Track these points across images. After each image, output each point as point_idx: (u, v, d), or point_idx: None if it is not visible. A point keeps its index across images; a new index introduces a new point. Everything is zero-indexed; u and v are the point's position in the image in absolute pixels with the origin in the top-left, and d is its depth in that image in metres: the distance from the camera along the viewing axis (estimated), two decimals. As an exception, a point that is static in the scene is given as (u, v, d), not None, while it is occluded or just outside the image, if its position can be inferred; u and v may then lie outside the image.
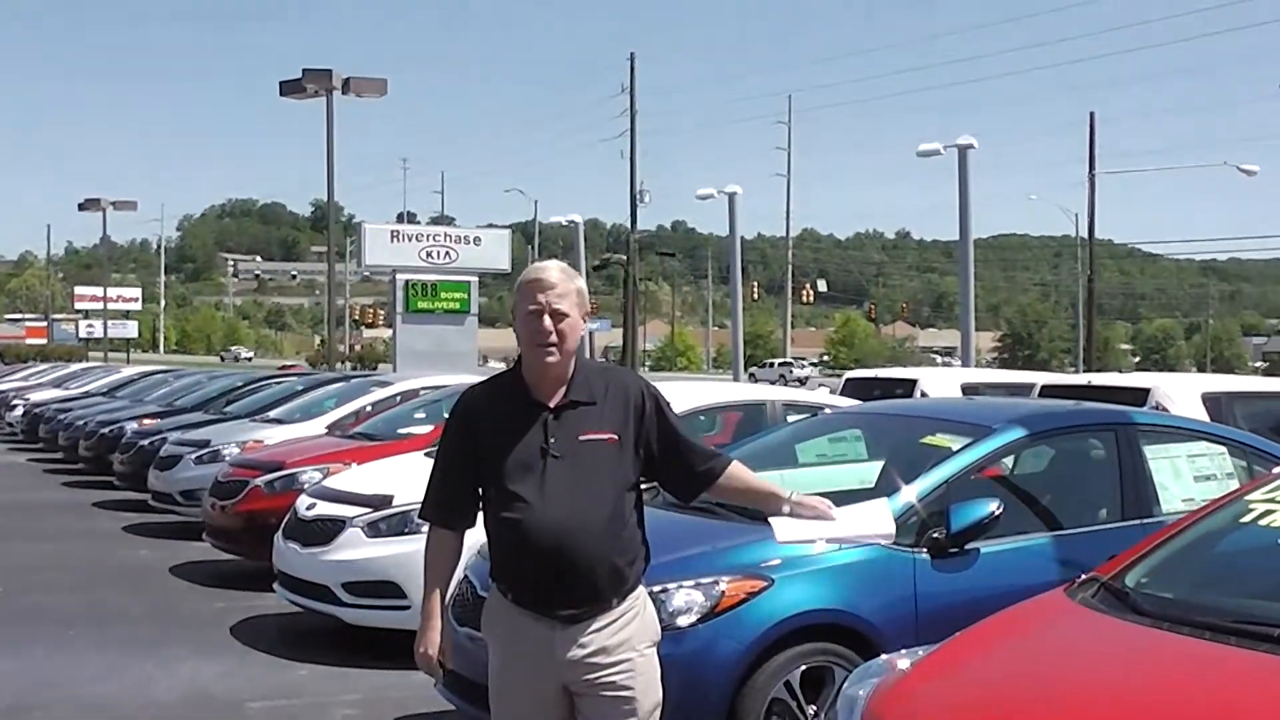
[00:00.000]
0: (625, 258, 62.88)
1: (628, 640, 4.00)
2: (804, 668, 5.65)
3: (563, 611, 3.97)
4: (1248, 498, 4.62)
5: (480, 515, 4.13)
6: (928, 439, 6.69)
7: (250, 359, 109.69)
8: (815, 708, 5.66)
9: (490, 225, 43.87)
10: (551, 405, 4.03)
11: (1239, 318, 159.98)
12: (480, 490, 4.08)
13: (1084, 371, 40.39)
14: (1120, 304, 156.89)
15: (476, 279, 34.11)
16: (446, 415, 12.82)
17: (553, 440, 3.99)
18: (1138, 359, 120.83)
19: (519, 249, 66.82)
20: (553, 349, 3.98)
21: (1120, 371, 40.23)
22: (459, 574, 6.66)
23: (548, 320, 3.97)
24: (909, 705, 3.79)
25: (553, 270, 4.06)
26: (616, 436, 4.04)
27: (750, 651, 5.54)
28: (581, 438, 4.00)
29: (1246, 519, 4.49)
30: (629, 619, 4.03)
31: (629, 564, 4.03)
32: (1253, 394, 12.57)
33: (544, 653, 3.99)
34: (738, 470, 4.31)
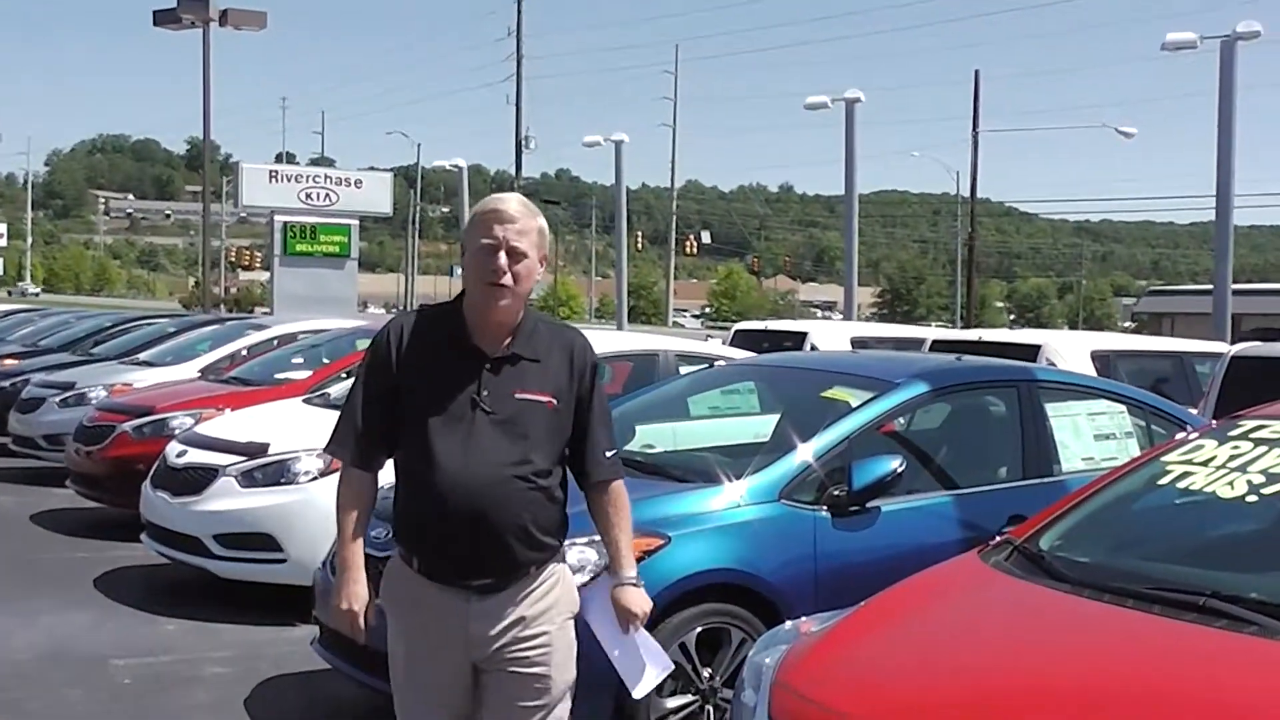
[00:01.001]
0: (509, 205, 62.08)
1: (546, 613, 3.67)
2: (700, 629, 5.44)
3: (477, 581, 3.61)
4: (1163, 459, 4.48)
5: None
6: (828, 393, 6.50)
7: (38, 294, 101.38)
8: (710, 670, 5.46)
9: (372, 168, 43.13)
10: (492, 355, 3.63)
11: (1110, 278, 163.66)
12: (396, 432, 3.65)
13: (963, 328, 40.85)
14: (996, 262, 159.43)
15: (357, 222, 33.39)
16: (326, 360, 12.23)
17: (486, 394, 3.59)
18: (1013, 317, 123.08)
19: (401, 193, 65.80)
20: (505, 291, 3.56)
21: (996, 328, 40.75)
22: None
23: (503, 257, 3.55)
24: (822, 674, 3.59)
25: (513, 203, 3.64)
26: (555, 401, 3.66)
27: (644, 613, 5.31)
28: (518, 395, 3.61)
29: (1163, 481, 4.35)
30: (547, 590, 3.70)
31: (553, 533, 3.69)
32: (1137, 352, 12.68)
33: (454, 626, 3.63)
34: (614, 500, 3.83)
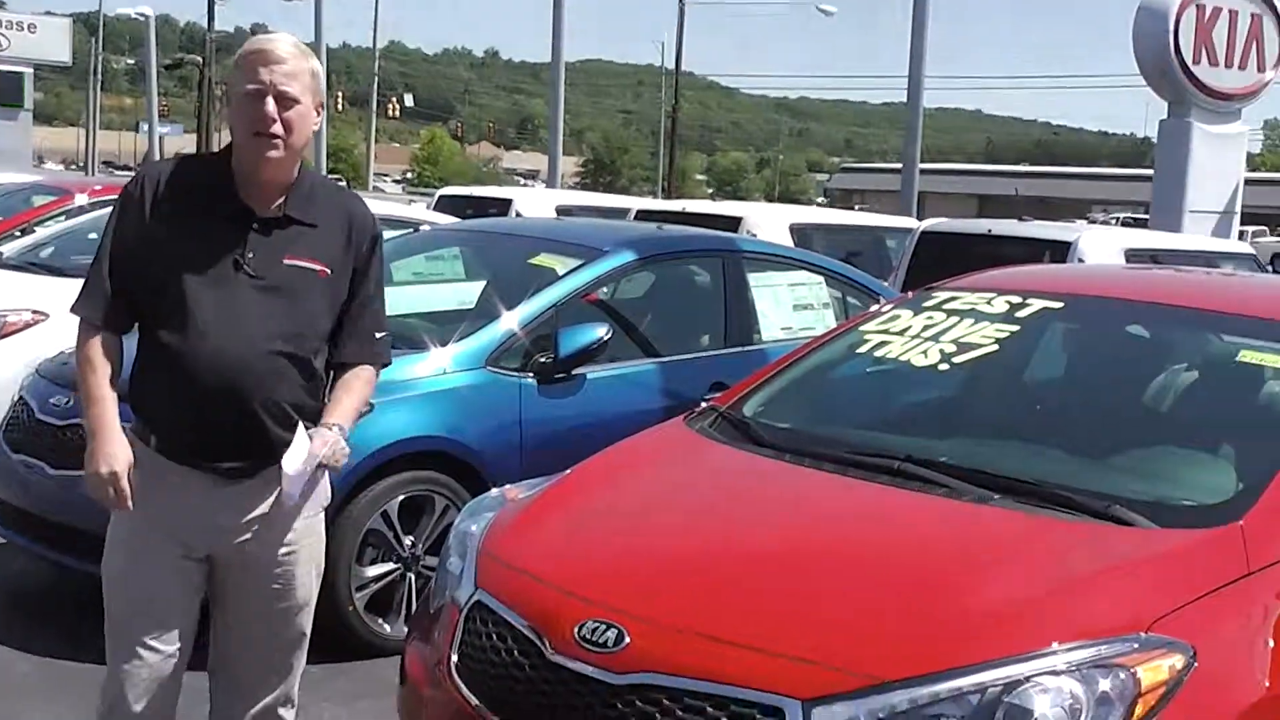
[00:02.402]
0: (201, 59, 59.30)
1: (297, 504, 3.30)
2: (403, 497, 5.35)
3: (226, 465, 3.25)
4: (862, 328, 4.60)
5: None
6: (535, 260, 6.42)
7: None
8: (413, 538, 5.38)
9: (48, 13, 40.30)
10: (261, 215, 3.25)
11: (806, 154, 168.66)
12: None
13: (664, 199, 41.43)
14: (698, 135, 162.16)
15: (31, 70, 31.30)
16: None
17: (251, 256, 3.21)
18: (712, 190, 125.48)
19: (81, 41, 61.82)
20: (276, 141, 3.17)
21: (696, 200, 41.44)
22: (14, 394, 5.94)
23: (271, 104, 3.15)
24: (526, 541, 3.56)
25: (283, 43, 3.23)
26: (330, 270, 3.28)
27: (347, 481, 5.16)
28: (288, 261, 3.23)
29: (861, 350, 4.47)
30: None
31: (312, 417, 3.30)
32: (833, 226, 13.08)
33: (193, 512, 3.26)
34: (364, 377, 3.44)
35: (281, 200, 3.28)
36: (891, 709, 2.80)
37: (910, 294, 4.85)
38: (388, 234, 9.12)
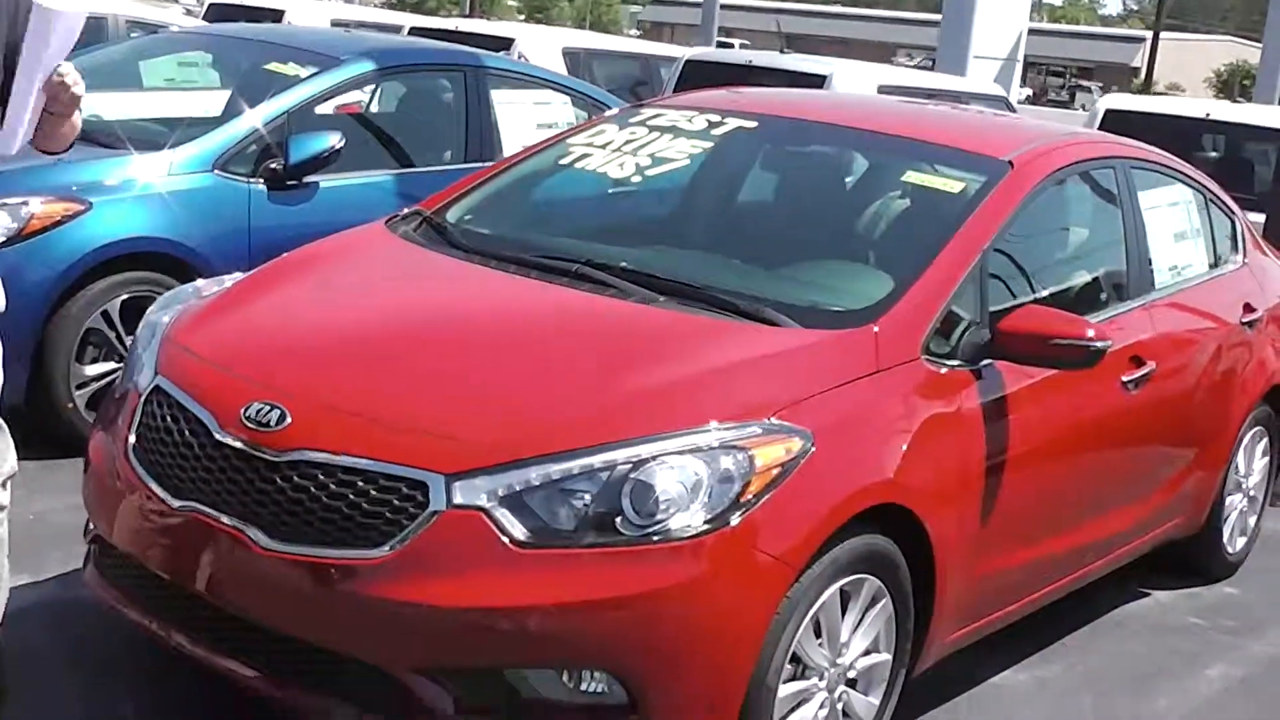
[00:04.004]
0: None
1: None
2: (125, 297, 5.36)
3: None
4: (569, 140, 4.76)
5: None
6: (272, 66, 6.38)
7: None
8: (134, 338, 5.41)
9: None
10: None
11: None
12: None
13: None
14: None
15: None
16: None
17: None
18: (523, 16, 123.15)
19: None
20: None
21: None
22: None
23: None
24: (203, 328, 3.67)
25: None
26: None
27: (64, 279, 5.16)
28: None
29: (564, 161, 4.63)
30: None
31: None
32: (612, 53, 13.10)
33: None
34: None
35: None
36: (527, 482, 3.02)
37: (618, 110, 5.01)
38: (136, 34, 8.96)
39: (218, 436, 3.24)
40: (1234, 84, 62.98)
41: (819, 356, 3.48)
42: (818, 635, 3.30)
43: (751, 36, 56.98)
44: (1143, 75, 59.43)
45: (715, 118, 4.62)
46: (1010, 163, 4.20)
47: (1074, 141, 4.71)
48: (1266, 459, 5.64)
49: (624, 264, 3.88)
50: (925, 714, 4.07)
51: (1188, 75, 69.58)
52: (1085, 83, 66.67)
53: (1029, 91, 62.61)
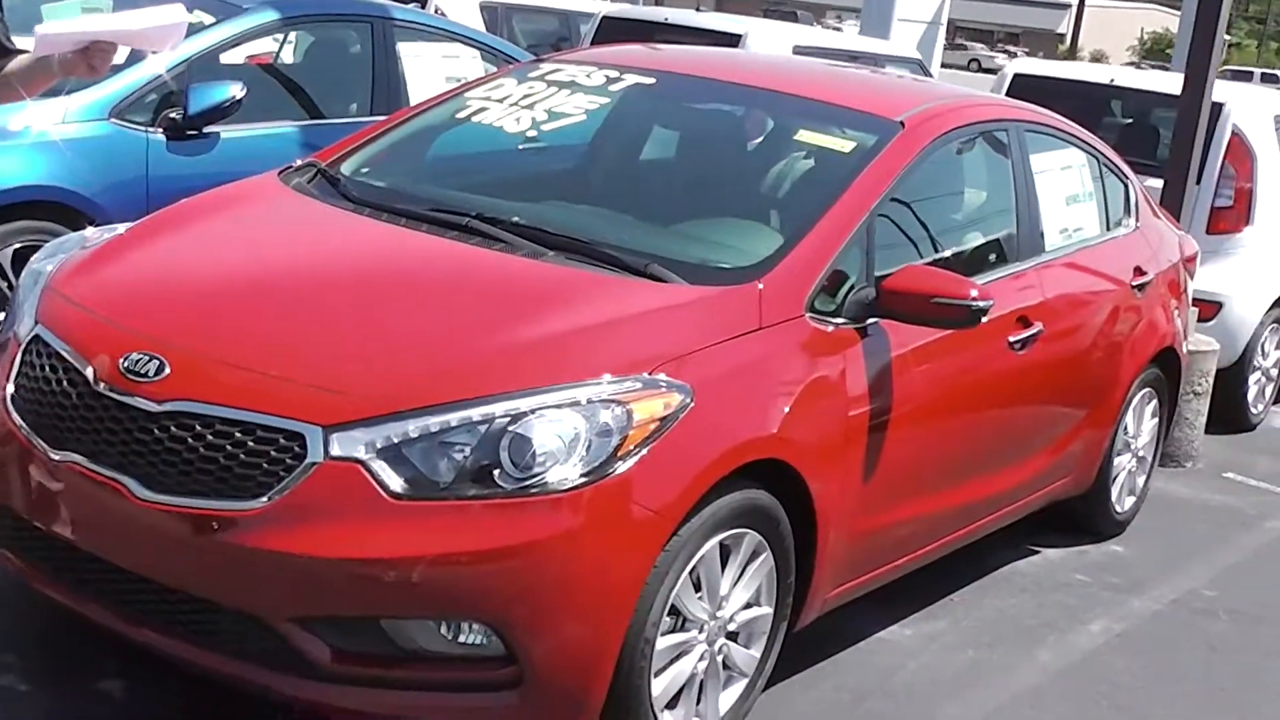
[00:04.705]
0: None
1: None
2: (18, 245, 5.29)
3: None
4: (468, 94, 4.74)
5: None
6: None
7: None
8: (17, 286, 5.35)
9: None
10: None
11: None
12: None
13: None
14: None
15: None
16: None
17: None
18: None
19: None
20: None
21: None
22: None
23: None
24: (85, 276, 3.63)
25: None
26: None
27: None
28: None
29: (461, 115, 4.61)
30: None
31: None
32: (531, 8, 13.02)
33: None
34: None
35: None
36: (405, 435, 3.03)
37: (519, 64, 5.00)
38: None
39: (95, 387, 3.22)
40: (1157, 51, 63.83)
41: (702, 313, 3.51)
42: (697, 588, 3.34)
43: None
44: (1068, 41, 60.07)
45: (613, 73, 4.62)
46: (902, 123, 4.24)
47: (967, 104, 4.77)
48: (1155, 420, 5.75)
49: (515, 218, 3.88)
50: (810, 668, 4.14)
51: (1113, 42, 70.39)
52: (1012, 48, 67.17)
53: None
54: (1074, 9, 60.48)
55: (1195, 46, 7.12)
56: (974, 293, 3.79)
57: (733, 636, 3.53)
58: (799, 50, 9.60)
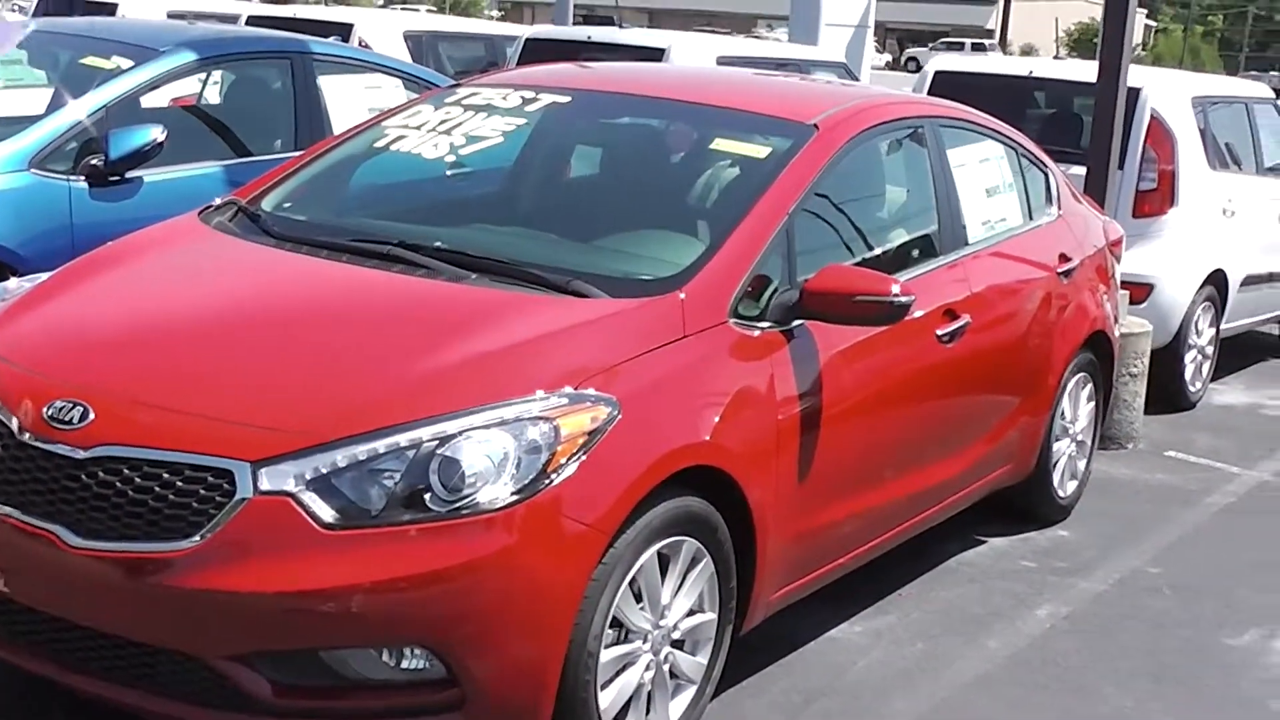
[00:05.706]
0: None
1: None
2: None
3: None
4: (385, 123, 4.75)
5: None
6: (90, 60, 6.26)
7: None
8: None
9: None
10: None
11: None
12: None
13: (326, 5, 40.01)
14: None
15: None
16: None
17: None
18: (382, 2, 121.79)
19: None
20: None
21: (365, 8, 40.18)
22: None
23: None
24: (11, 328, 3.63)
25: None
26: None
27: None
28: None
29: (380, 144, 4.62)
30: None
31: None
32: (456, 35, 13.04)
33: None
34: None
35: None
36: (334, 465, 3.03)
37: (436, 90, 5.01)
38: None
39: (20, 437, 3.20)
40: (1084, 42, 64.50)
41: (625, 325, 3.52)
42: (638, 599, 3.36)
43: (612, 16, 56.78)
44: (997, 37, 60.64)
45: (529, 94, 4.64)
46: (816, 125, 4.28)
47: (881, 103, 4.82)
48: (1092, 404, 5.82)
49: (438, 243, 3.89)
50: (760, 671, 4.16)
51: (1041, 36, 71.05)
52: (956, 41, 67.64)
53: (887, 58, 63.53)
54: (1000, 4, 61.11)
55: (1107, 32, 7.22)
56: (895, 289, 3.84)
57: (678, 645, 3.55)
58: (723, 60, 9.66)
